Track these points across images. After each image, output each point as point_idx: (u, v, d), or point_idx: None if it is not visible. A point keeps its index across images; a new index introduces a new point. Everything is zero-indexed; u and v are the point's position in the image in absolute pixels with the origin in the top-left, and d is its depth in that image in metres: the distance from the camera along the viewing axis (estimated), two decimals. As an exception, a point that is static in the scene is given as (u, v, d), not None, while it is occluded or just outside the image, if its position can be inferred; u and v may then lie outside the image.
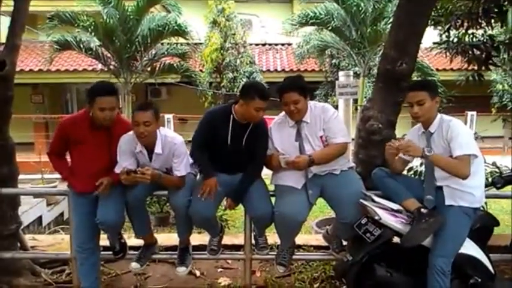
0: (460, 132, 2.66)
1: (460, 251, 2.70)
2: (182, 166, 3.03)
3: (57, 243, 4.30)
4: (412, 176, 3.98)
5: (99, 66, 11.96)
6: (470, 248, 2.75)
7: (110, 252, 3.38)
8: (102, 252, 3.34)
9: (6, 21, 3.46)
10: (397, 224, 2.70)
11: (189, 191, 3.06)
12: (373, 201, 2.81)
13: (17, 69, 12.16)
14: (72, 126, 3.04)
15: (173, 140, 3.03)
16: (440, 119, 2.78)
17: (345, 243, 3.34)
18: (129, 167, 2.91)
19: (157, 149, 2.99)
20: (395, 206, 2.76)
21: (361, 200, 2.82)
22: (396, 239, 2.83)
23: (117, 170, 2.96)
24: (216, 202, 3.13)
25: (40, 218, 7.97)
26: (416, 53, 3.20)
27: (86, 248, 3.12)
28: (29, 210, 7.39)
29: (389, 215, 2.71)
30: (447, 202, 2.72)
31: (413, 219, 2.68)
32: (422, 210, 2.68)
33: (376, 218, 2.68)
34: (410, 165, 3.31)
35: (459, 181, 2.67)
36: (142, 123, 2.85)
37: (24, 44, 14.17)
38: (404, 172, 3.21)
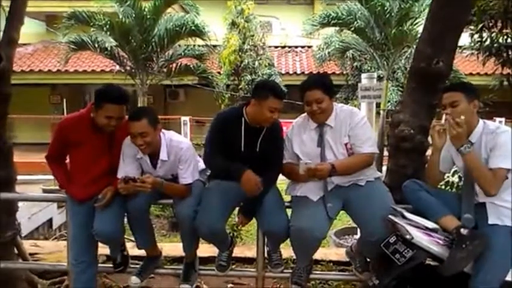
0: (506, 142, 2.31)
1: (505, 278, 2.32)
2: (189, 173, 2.75)
3: (59, 251, 4.06)
4: (443, 187, 3.60)
5: (117, 67, 11.85)
6: (517, 275, 2.37)
7: (111, 265, 3.09)
8: (102, 265, 3.10)
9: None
10: (431, 246, 2.32)
11: (196, 200, 2.75)
12: (404, 217, 2.45)
13: (36, 69, 12.24)
14: (71, 127, 2.77)
15: (179, 144, 2.76)
16: (484, 127, 2.42)
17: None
18: (130, 174, 2.62)
19: (163, 156, 2.73)
20: (429, 224, 2.38)
21: (390, 216, 2.46)
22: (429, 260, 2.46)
23: (119, 175, 2.70)
24: (226, 213, 2.81)
25: (50, 220, 7.78)
26: (455, 50, 2.84)
27: (81, 260, 2.83)
28: (38, 212, 7.21)
29: (422, 235, 2.34)
30: (491, 221, 2.34)
31: (452, 240, 2.31)
32: (462, 231, 2.30)
33: (408, 237, 2.31)
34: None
35: (505, 198, 2.32)
36: (139, 135, 2.58)
37: (44, 44, 14.28)
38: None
